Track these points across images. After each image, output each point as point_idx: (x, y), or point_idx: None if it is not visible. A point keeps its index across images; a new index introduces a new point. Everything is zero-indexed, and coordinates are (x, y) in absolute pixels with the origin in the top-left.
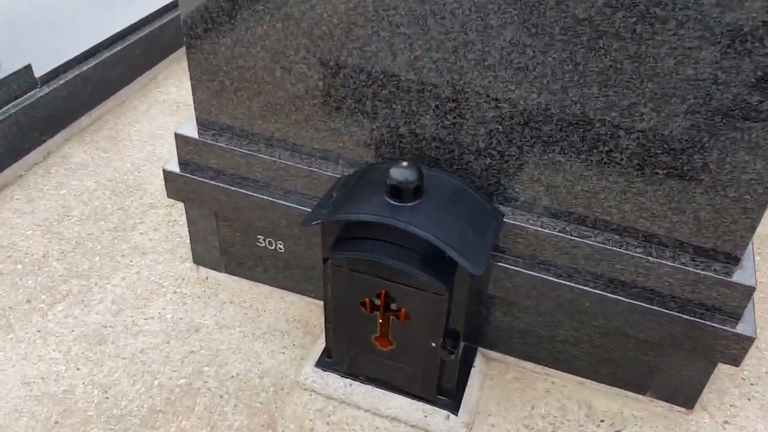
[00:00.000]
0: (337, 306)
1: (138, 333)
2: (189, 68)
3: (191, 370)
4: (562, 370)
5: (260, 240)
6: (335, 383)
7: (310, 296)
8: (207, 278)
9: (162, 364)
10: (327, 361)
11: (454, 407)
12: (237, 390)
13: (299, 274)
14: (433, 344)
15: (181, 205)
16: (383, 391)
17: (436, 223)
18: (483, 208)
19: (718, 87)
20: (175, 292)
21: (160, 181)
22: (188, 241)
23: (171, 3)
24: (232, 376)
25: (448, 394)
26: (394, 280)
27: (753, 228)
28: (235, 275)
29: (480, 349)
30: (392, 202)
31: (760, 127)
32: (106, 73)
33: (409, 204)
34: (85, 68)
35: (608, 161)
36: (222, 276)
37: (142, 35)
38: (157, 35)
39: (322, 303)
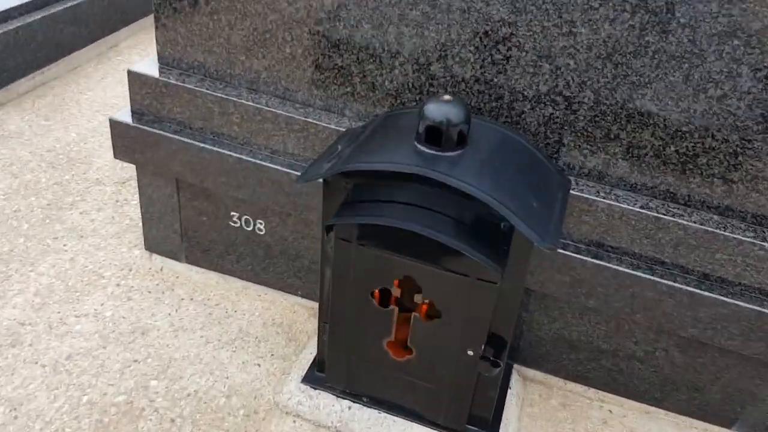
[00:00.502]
0: (339, 297)
1: (65, 334)
2: None
3: (133, 385)
4: (623, 395)
5: (234, 218)
6: (329, 406)
7: (296, 294)
8: (162, 269)
9: (94, 375)
10: (318, 376)
11: None
12: (194, 412)
13: (283, 265)
14: (470, 352)
15: (135, 182)
16: (394, 417)
17: (489, 181)
18: (545, 170)
19: None
20: (118, 285)
21: (110, 155)
22: (141, 223)
23: None
24: (189, 394)
25: (481, 424)
26: (423, 260)
27: None
28: (198, 266)
29: (516, 366)
30: (426, 149)
31: None
32: (55, 31)
33: (451, 153)
34: (29, 20)
35: (719, 111)
36: (181, 267)
37: None
38: None
39: (309, 303)
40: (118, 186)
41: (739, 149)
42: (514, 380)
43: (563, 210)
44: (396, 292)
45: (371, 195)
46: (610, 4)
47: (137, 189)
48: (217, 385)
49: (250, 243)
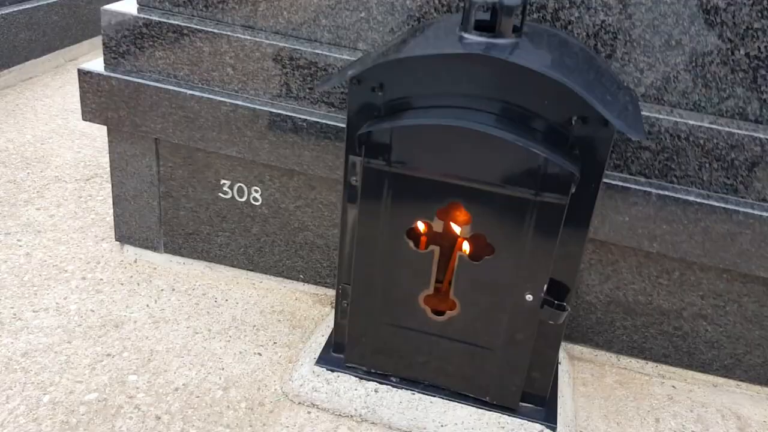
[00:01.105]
0: (365, 241)
1: (21, 330)
2: None
3: (107, 380)
4: (686, 367)
5: (225, 187)
6: (351, 390)
7: (297, 279)
8: (136, 261)
9: (57, 372)
10: (335, 358)
11: (549, 419)
12: (185, 407)
13: (282, 243)
14: (529, 297)
15: (99, 179)
16: (431, 397)
17: (557, 69)
18: (607, 72)
19: None
20: (83, 278)
21: (71, 154)
22: (108, 218)
23: None
24: (177, 388)
25: (536, 401)
26: (476, 177)
27: None
28: (179, 255)
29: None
30: (477, 38)
31: None
32: (9, 35)
33: (506, 41)
34: None
35: None
36: (159, 257)
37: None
38: (82, 6)
39: (313, 289)
40: (80, 183)
41: None
42: (561, 357)
43: (637, 109)
44: (437, 226)
45: (408, 104)
46: None
47: (102, 185)
48: (210, 377)
49: (243, 218)
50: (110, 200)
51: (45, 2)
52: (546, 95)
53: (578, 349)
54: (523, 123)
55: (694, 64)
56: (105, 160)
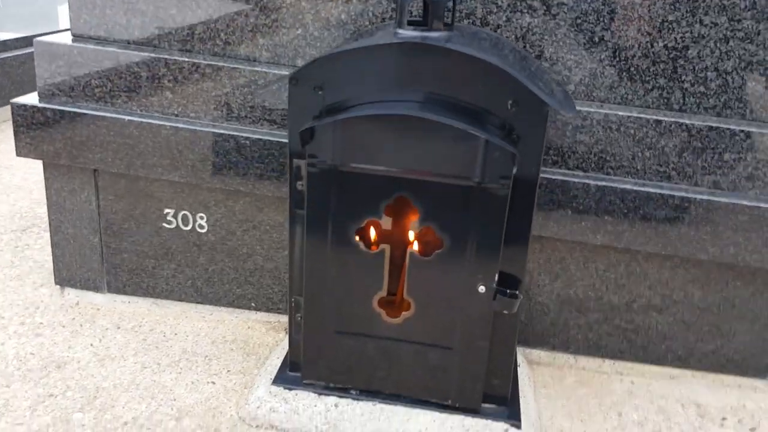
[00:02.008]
0: (315, 248)
1: None
2: None
3: (50, 420)
4: (642, 361)
5: (169, 216)
6: (310, 407)
7: (249, 308)
8: (78, 303)
9: None
10: (292, 376)
11: (513, 417)
12: None
13: (231, 271)
14: (482, 288)
15: (36, 228)
16: (393, 406)
17: (489, 56)
18: (537, 65)
19: None
20: (22, 324)
21: (6, 207)
22: (47, 265)
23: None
24: (126, 422)
25: (498, 400)
26: (420, 168)
27: None
28: (123, 293)
29: (518, 349)
30: (411, 32)
31: None
32: None
33: (439, 34)
34: None
35: None
36: (102, 298)
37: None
38: (15, 66)
39: (265, 317)
40: (17, 233)
41: (729, 33)
42: (520, 361)
43: (566, 93)
44: (386, 223)
45: (348, 101)
46: None
47: (39, 234)
48: (162, 409)
49: (189, 248)
50: (48, 249)
51: None
52: (480, 81)
53: (536, 353)
54: (460, 110)
55: (617, 59)
56: (41, 210)
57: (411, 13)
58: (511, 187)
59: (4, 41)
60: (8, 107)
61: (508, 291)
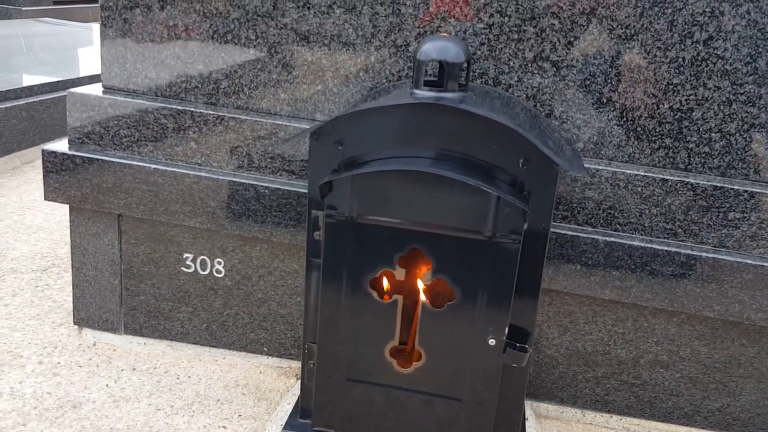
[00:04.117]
0: (329, 296)
1: None
2: None
3: None
4: (649, 418)
5: (187, 261)
6: None
7: (261, 353)
8: (95, 344)
9: None
10: (303, 423)
11: None
12: None
13: (245, 315)
14: (492, 341)
15: (57, 269)
16: None
17: (502, 116)
18: (549, 123)
19: None
20: (40, 363)
21: (28, 247)
22: (66, 305)
23: (62, 81)
24: None
25: None
26: (433, 221)
27: None
28: (139, 335)
29: (526, 402)
30: (427, 92)
31: None
32: None
33: (454, 95)
34: None
35: (707, 56)
36: (119, 339)
37: (20, 104)
38: (40, 110)
39: (277, 362)
40: (37, 273)
41: (731, 96)
42: (528, 414)
43: (575, 151)
44: (399, 274)
45: (366, 156)
46: None
47: (59, 275)
48: None
49: (206, 292)
50: (68, 288)
51: (3, 106)
52: (493, 140)
53: (544, 406)
54: (473, 167)
55: (625, 118)
56: (62, 251)
57: (427, 72)
58: (521, 242)
59: (31, 87)
60: (30, 150)
61: (517, 344)
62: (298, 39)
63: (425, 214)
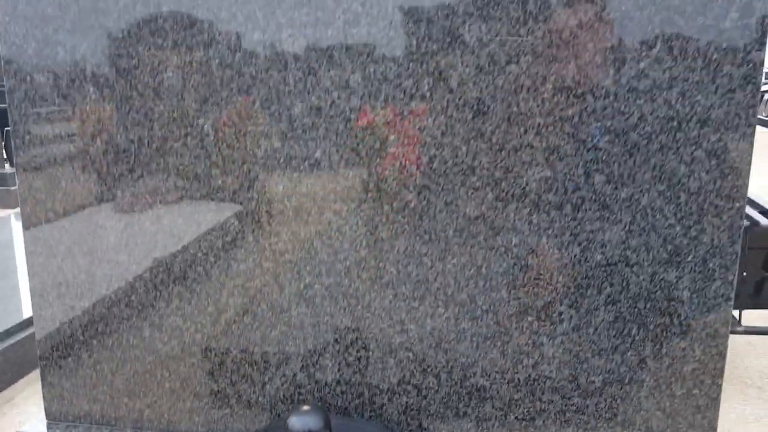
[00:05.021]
0: None
1: None
2: (38, 347)
3: None
4: None
5: None
6: None
7: None
8: None
9: None
10: None
11: None
12: None
13: None
14: None
15: None
16: None
17: None
18: None
19: (632, 269)
20: None
21: None
22: None
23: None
24: None
25: None
26: None
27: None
28: None
29: None
30: None
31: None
32: None
33: None
34: None
35: (537, 377)
36: None
37: None
38: (17, 351)
39: None
40: None
41: (564, 407)
42: None
43: None
44: None
45: None
46: (427, 302)
47: None
48: None
49: None
50: None
51: None
52: None
53: None
54: None
55: (480, 428)
56: None
57: None
58: None
59: None
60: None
61: None
62: (205, 374)
63: None
